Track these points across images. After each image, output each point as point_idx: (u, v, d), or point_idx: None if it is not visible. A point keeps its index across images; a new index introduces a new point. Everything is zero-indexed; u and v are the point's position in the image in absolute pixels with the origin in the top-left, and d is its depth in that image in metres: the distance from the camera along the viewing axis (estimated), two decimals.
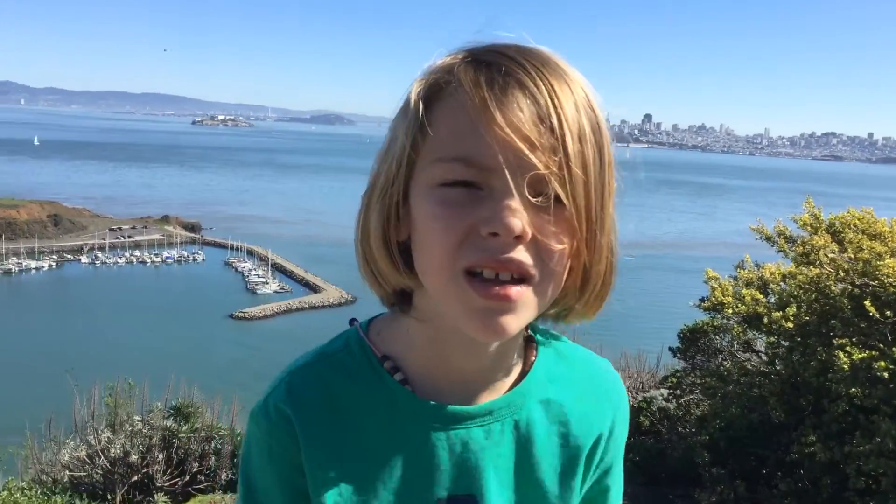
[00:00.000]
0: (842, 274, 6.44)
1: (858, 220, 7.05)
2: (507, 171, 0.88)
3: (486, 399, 1.09)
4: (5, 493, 6.99)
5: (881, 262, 6.07)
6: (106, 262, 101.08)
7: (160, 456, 8.79)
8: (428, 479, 1.06)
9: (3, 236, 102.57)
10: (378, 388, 1.07)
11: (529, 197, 0.89)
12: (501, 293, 0.91)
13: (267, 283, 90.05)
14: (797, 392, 6.88)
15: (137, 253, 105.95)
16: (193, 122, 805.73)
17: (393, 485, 1.05)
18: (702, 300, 7.84)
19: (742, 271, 7.57)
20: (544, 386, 1.13)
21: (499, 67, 0.92)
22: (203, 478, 9.08)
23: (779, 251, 7.56)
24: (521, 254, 0.90)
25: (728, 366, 7.94)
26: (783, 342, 7.07)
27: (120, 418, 9.06)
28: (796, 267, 7.01)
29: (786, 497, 6.47)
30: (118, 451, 8.74)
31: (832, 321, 6.37)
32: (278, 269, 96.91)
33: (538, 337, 1.17)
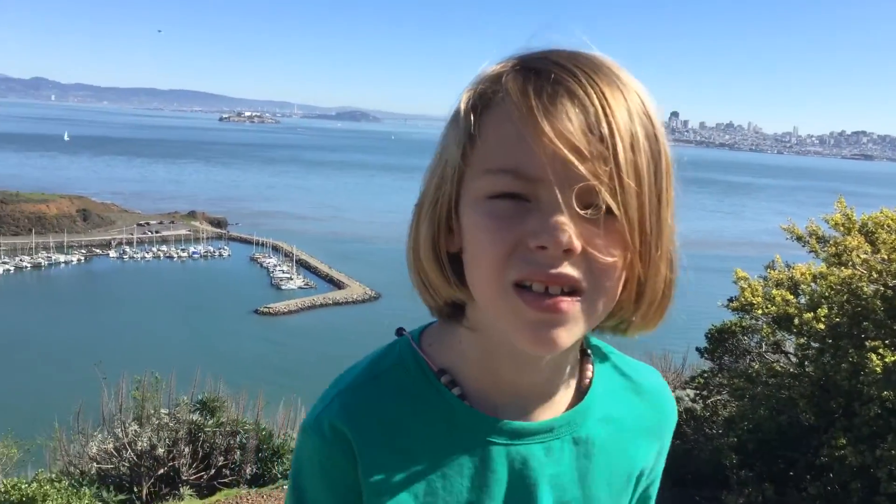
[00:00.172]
0: (874, 275, 6.35)
1: (892, 220, 6.94)
2: (554, 183, 0.86)
3: (543, 414, 1.07)
4: (35, 484, 7.09)
5: None
6: (133, 257, 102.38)
7: (186, 449, 8.87)
8: (486, 495, 1.05)
9: (33, 230, 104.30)
10: (436, 403, 1.05)
11: (578, 209, 0.86)
12: (552, 305, 0.89)
13: (291, 278, 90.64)
14: (827, 394, 6.79)
15: (164, 248, 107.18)
16: (220, 119, 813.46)
17: (452, 501, 1.04)
18: (730, 300, 7.77)
19: (772, 271, 7.49)
20: (603, 402, 1.12)
21: (548, 75, 0.89)
22: (228, 472, 9.16)
23: (810, 251, 7.46)
24: (571, 268, 0.88)
25: (756, 367, 7.85)
26: (813, 344, 6.98)
27: (147, 411, 9.16)
28: (828, 267, 6.92)
29: (815, 500, 6.39)
30: (145, 444, 8.84)
31: (864, 323, 6.28)
32: (303, 265, 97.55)
33: (592, 350, 1.15)
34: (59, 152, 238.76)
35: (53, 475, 7.97)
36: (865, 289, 6.35)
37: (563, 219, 0.86)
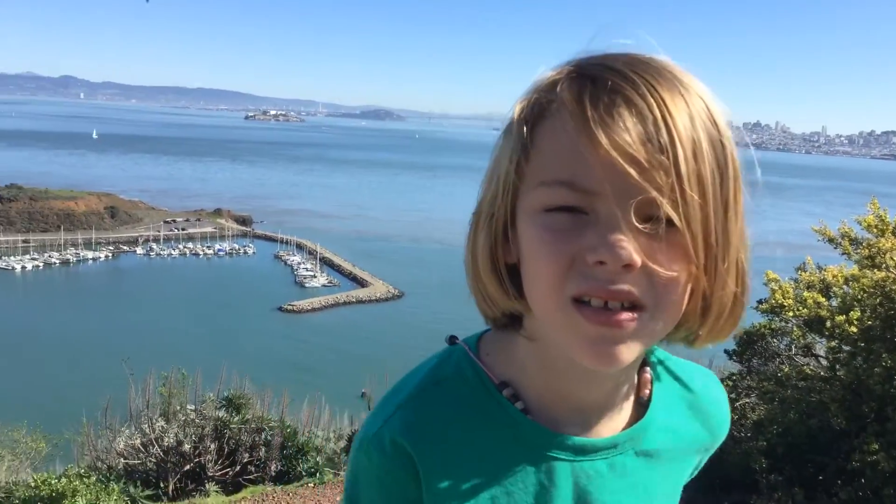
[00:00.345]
0: None
1: None
2: (612, 196, 0.83)
3: (605, 428, 1.05)
4: (65, 480, 7.16)
5: None
6: (160, 254, 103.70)
7: (212, 446, 8.94)
8: None
9: (62, 227, 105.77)
10: (498, 417, 1.03)
11: (637, 223, 0.83)
12: (612, 321, 0.86)
13: (315, 276, 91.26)
14: (859, 399, 6.67)
15: (190, 245, 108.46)
16: (246, 117, 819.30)
17: None
18: (759, 302, 7.66)
19: (803, 273, 7.38)
20: (664, 415, 1.10)
21: (604, 83, 0.85)
22: (253, 468, 9.21)
23: (842, 253, 7.34)
24: (631, 283, 0.85)
25: (786, 370, 7.75)
26: (845, 347, 6.87)
27: (173, 408, 9.24)
28: (860, 270, 6.80)
29: None
30: (171, 441, 8.91)
31: None
32: (326, 263, 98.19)
33: (651, 359, 1.12)
34: (87, 150, 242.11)
35: (82, 470, 8.05)
36: None
37: (623, 232, 0.83)
